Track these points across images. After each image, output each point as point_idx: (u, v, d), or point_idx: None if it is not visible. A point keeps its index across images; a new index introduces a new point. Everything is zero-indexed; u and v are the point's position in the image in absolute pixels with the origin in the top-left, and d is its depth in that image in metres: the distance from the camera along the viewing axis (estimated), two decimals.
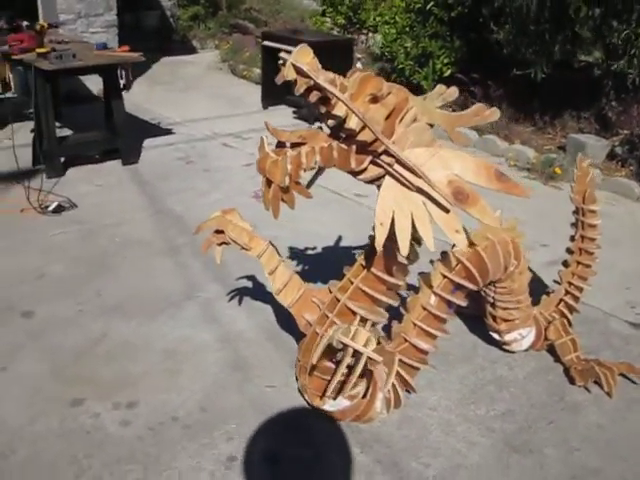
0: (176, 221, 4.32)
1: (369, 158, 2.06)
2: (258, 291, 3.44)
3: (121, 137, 5.06)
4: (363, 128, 1.97)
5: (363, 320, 2.34)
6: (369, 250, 2.36)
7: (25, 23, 5.05)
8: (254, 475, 2.39)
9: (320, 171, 2.28)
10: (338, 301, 2.37)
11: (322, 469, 2.43)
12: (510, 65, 5.66)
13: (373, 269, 2.35)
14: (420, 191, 2.04)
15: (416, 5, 6.53)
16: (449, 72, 6.42)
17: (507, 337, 2.99)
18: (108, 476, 2.36)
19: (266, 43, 6.43)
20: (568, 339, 2.98)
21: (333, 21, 7.94)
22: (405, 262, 2.35)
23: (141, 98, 6.94)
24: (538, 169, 5.22)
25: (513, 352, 3.06)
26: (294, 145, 2.04)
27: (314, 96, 1.91)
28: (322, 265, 2.91)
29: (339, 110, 1.94)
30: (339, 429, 2.60)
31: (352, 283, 2.38)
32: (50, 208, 4.32)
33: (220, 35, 8.97)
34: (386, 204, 2.07)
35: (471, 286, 2.63)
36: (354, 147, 2.03)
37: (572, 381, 2.91)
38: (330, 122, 1.99)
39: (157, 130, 6.09)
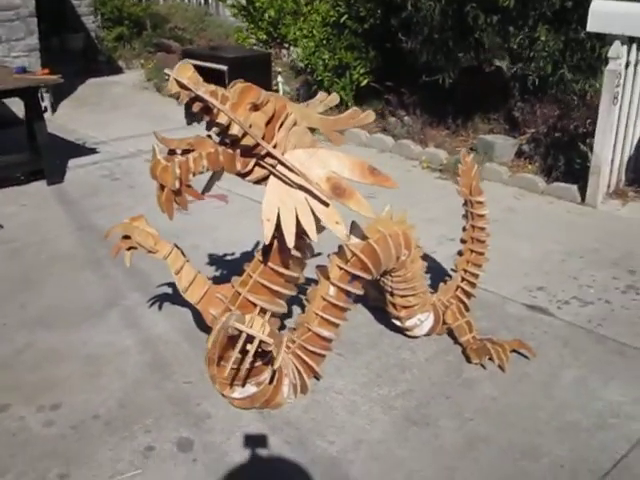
0: (100, 235, 4.42)
1: (253, 161, 2.27)
2: (177, 296, 3.58)
3: (44, 158, 5.17)
4: (245, 134, 2.18)
5: (263, 311, 2.54)
6: (266, 246, 2.56)
7: None
8: (170, 461, 2.56)
9: (215, 175, 2.48)
10: (239, 295, 2.57)
11: (234, 453, 2.61)
12: (422, 73, 5.96)
13: (270, 263, 2.56)
14: (302, 188, 2.26)
15: (331, 19, 6.80)
16: (365, 82, 6.70)
17: (408, 323, 3.22)
18: (32, 472, 2.50)
19: (188, 61, 6.60)
20: (464, 321, 3.23)
21: (256, 37, 8.17)
22: (299, 255, 2.56)
23: (66, 119, 7.05)
24: (450, 169, 5.52)
25: (415, 337, 3.30)
26: (184, 152, 2.23)
27: (197, 106, 2.12)
28: (237, 269, 3.10)
29: (221, 119, 2.15)
30: (250, 415, 2.78)
31: (251, 277, 2.58)
32: None
33: (146, 55, 9.11)
34: (271, 202, 2.28)
35: (366, 276, 2.85)
36: (238, 151, 2.24)
37: (469, 360, 3.16)
38: (214, 129, 2.20)
39: (82, 150, 6.19)
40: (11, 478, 2.48)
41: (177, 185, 2.16)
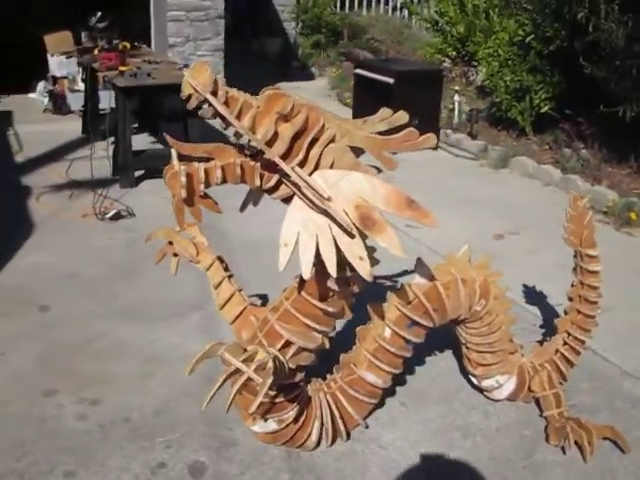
0: (221, 236, 4.44)
1: (276, 177, 2.05)
2: None
3: None
4: (266, 146, 1.96)
5: (288, 344, 2.30)
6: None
7: (122, 43, 5.41)
8: None
9: (253, 192, 2.28)
10: (268, 321, 2.35)
11: None
12: (605, 103, 5.33)
13: (303, 292, 2.31)
14: (326, 213, 2.00)
15: (518, 38, 6.33)
16: (546, 108, 6.14)
17: (484, 383, 2.81)
18: (43, 463, 2.47)
19: (358, 71, 6.49)
20: (551, 393, 2.74)
21: (443, 53, 7.86)
22: (336, 288, 2.29)
23: None
24: (615, 213, 4.86)
25: (496, 400, 2.87)
26: (208, 160, 2.07)
27: (209, 111, 1.94)
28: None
29: (240, 128, 1.95)
30: (276, 452, 2.55)
31: (283, 304, 2.35)
32: (108, 215, 4.60)
33: (338, 63, 9.13)
34: (292, 225, 2.04)
35: (426, 323, 2.51)
36: (258, 165, 2.03)
37: (548, 439, 2.68)
38: (233, 139, 2.01)
39: None
40: (23, 465, 2.46)
41: (183, 194, 2.00)
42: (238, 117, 1.95)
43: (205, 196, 2.08)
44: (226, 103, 1.95)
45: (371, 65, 6.51)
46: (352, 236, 1.99)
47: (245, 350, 2.09)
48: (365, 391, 2.56)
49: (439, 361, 3.17)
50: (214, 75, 1.93)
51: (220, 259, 2.66)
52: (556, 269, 4.10)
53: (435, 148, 6.54)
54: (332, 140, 2.07)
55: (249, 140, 2.03)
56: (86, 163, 5.52)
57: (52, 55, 7.23)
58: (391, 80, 5.98)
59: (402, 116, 2.28)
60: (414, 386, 2.98)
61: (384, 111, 2.27)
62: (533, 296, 3.77)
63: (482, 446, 2.65)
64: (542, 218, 4.92)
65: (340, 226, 1.99)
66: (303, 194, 2.01)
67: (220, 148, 2.05)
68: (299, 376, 2.39)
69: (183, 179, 1.97)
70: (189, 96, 1.93)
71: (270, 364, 2.03)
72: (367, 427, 2.70)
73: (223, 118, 1.94)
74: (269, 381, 1.94)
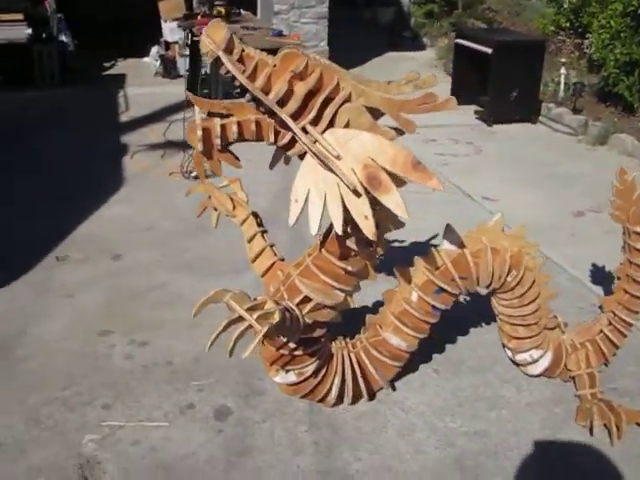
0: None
1: (290, 134, 2.10)
2: None
3: None
4: (277, 104, 2.02)
5: (307, 300, 2.36)
6: (327, 231, 2.37)
7: (217, 9, 5.58)
8: (198, 424, 2.55)
9: (280, 150, 2.34)
10: (291, 276, 2.42)
11: (260, 437, 2.50)
12: None
13: (324, 250, 2.36)
14: (334, 172, 2.03)
15: (631, 8, 5.97)
16: None
17: (517, 357, 2.77)
18: (86, 394, 2.70)
19: (458, 41, 6.35)
20: (585, 372, 2.67)
21: (556, 23, 7.51)
22: (356, 248, 2.32)
23: None
24: None
25: (532, 375, 2.82)
26: (224, 116, 2.15)
27: (224, 69, 2.01)
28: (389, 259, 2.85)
29: (250, 86, 2.02)
30: (300, 405, 2.64)
31: (305, 260, 2.41)
32: (193, 174, 4.80)
33: (451, 34, 8.93)
34: (303, 181, 2.09)
35: (451, 290, 2.50)
36: (273, 122, 2.09)
37: (576, 418, 2.61)
38: (247, 96, 2.07)
39: None
40: (68, 394, 2.69)
41: (200, 147, 2.09)
42: (253, 75, 2.02)
43: (224, 150, 2.16)
44: (242, 61, 2.01)
45: (471, 35, 6.36)
46: (358, 195, 2.02)
47: (254, 300, 2.17)
48: (389, 353, 2.59)
49: (483, 332, 3.13)
50: (229, 34, 1.99)
51: (255, 214, 2.75)
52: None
53: (534, 122, 6.33)
54: (347, 100, 2.09)
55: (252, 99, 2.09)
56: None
57: (165, 21, 7.54)
58: (489, 50, 5.82)
59: (430, 80, 2.26)
60: (451, 355, 2.98)
61: (412, 73, 2.26)
62: (600, 276, 3.62)
63: (507, 419, 2.62)
64: None
65: (347, 185, 2.02)
66: (313, 152, 2.05)
67: (238, 105, 2.12)
68: (319, 331, 2.45)
69: (200, 133, 2.06)
70: (207, 53, 2.01)
71: (276, 315, 2.10)
72: (394, 390, 2.74)
73: (235, 76, 2.01)
74: (265, 329, 2.01)
